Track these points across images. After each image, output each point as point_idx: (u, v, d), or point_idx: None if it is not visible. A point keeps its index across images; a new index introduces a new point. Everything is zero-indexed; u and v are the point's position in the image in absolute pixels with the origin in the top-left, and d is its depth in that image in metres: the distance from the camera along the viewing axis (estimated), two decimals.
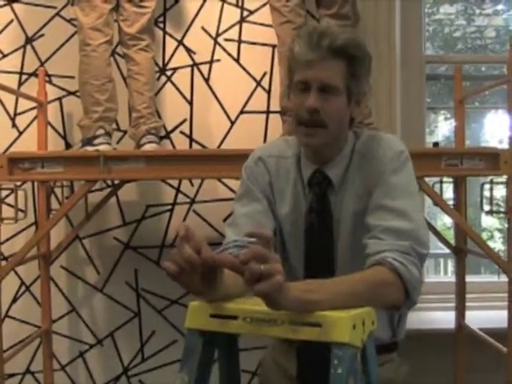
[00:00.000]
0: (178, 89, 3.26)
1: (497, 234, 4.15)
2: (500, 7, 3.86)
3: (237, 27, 3.27)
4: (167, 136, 3.24)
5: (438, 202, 2.68)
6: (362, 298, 1.40)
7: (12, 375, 3.22)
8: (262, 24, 3.22)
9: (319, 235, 1.70)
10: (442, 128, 4.04)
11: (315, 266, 1.70)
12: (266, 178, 1.77)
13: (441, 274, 4.07)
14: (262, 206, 1.74)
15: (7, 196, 2.78)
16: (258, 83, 3.27)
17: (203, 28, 3.26)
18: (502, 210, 2.86)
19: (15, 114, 3.24)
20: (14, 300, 3.25)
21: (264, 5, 3.17)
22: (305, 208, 1.73)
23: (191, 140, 3.26)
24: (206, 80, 3.27)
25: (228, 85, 3.26)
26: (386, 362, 1.80)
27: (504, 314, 2.63)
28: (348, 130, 1.73)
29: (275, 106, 3.13)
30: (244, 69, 3.26)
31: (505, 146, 2.76)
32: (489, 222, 4.06)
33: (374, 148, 1.69)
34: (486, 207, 2.86)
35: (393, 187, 1.62)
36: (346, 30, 1.70)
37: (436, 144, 2.94)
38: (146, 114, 2.86)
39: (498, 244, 4.05)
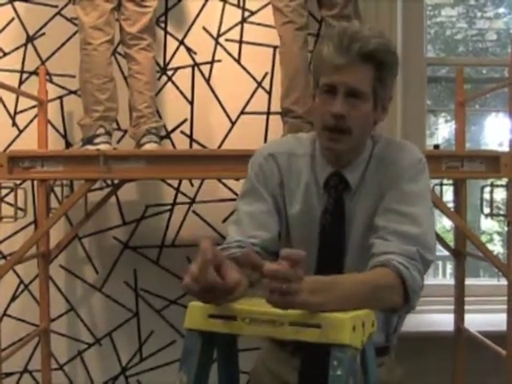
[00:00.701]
0: (178, 89, 3.26)
1: (496, 237, 4.14)
2: (501, 10, 3.86)
3: (238, 28, 3.27)
4: (168, 136, 3.24)
5: (439, 204, 2.68)
6: (364, 300, 1.39)
7: (10, 374, 3.22)
8: (263, 25, 3.22)
9: (332, 237, 1.69)
10: (442, 131, 4.03)
11: (327, 267, 1.66)
12: (277, 175, 1.73)
13: (439, 276, 4.06)
14: (267, 207, 1.71)
15: (7, 195, 2.77)
16: (259, 84, 3.26)
17: (204, 28, 3.26)
18: (502, 212, 2.86)
19: (15, 113, 3.24)
20: (13, 299, 3.25)
21: (265, 5, 3.16)
22: (319, 210, 1.70)
23: (191, 140, 3.26)
24: (207, 80, 3.26)
25: (229, 85, 3.26)
26: (379, 365, 1.77)
27: (503, 316, 2.63)
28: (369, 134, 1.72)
29: (276, 106, 3.13)
30: (245, 69, 3.26)
31: (505, 148, 2.76)
32: (488, 224, 4.06)
33: (393, 154, 1.68)
34: (486, 210, 2.86)
35: (407, 194, 1.61)
36: (377, 31, 1.63)
37: (437, 146, 2.94)
38: (146, 113, 2.86)
39: (497, 247, 4.05)
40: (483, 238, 3.97)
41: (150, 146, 2.81)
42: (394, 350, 1.84)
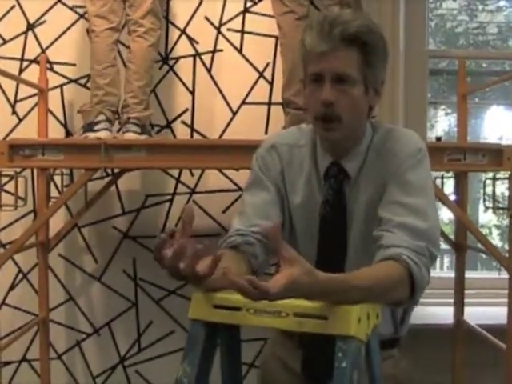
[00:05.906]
0: (180, 78, 3.25)
1: (494, 231, 4.15)
2: (502, 3, 3.85)
3: (240, 17, 3.26)
4: (168, 126, 3.23)
5: (441, 197, 2.67)
6: (374, 297, 1.38)
7: (8, 363, 3.21)
8: (265, 15, 3.21)
9: (333, 227, 1.68)
10: (441, 123, 4.03)
11: (328, 258, 1.67)
12: (278, 166, 1.73)
13: (437, 269, 4.06)
14: (270, 196, 1.71)
15: (6, 183, 2.76)
16: (261, 74, 3.25)
17: (206, 18, 3.24)
18: (501, 206, 2.85)
19: (15, 101, 3.22)
20: (12, 288, 3.24)
21: None
22: (319, 200, 1.69)
23: (192, 130, 3.25)
24: (209, 70, 3.25)
25: (230, 75, 3.25)
26: (387, 358, 1.74)
27: (502, 310, 2.63)
28: (366, 120, 1.69)
29: (277, 97, 3.12)
30: (247, 59, 3.25)
31: (507, 141, 2.75)
32: (486, 218, 4.06)
33: (392, 143, 1.65)
34: (487, 203, 2.85)
35: (409, 184, 1.59)
36: (358, 14, 1.63)
37: (439, 139, 2.93)
38: (130, 103, 2.82)
39: (495, 241, 4.05)
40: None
41: (127, 136, 2.78)
42: (403, 343, 1.83)
